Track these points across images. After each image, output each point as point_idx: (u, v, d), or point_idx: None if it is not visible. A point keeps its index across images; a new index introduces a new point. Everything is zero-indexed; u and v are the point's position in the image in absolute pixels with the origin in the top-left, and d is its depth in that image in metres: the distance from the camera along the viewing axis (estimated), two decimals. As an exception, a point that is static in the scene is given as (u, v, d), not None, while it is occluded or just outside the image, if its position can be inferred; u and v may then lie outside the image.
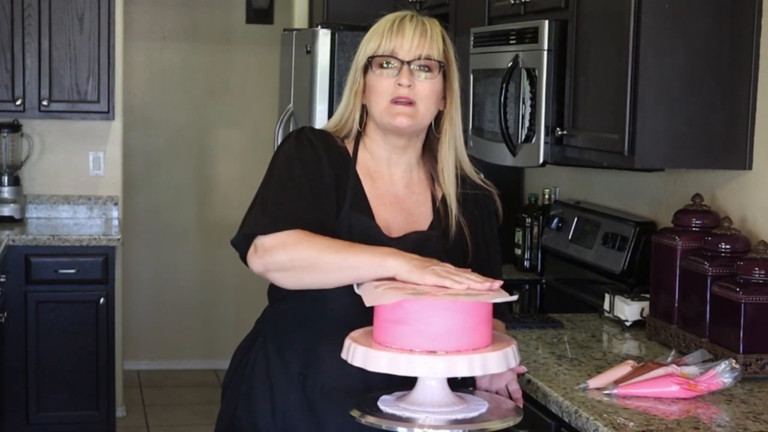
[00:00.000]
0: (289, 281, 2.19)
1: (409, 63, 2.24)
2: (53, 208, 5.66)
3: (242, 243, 2.22)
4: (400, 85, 2.24)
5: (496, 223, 2.43)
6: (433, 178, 2.37)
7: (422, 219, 2.34)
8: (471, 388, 2.25)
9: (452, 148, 2.34)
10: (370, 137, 2.34)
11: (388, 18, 2.30)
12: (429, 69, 2.26)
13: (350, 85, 2.33)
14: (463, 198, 2.35)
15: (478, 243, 2.38)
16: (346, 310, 2.21)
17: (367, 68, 2.28)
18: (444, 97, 2.31)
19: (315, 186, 2.24)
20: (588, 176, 3.92)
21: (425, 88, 2.25)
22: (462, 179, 2.36)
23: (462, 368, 1.97)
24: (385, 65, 2.26)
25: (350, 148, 2.34)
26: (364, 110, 2.33)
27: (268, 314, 2.40)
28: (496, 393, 2.28)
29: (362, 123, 2.34)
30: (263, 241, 2.17)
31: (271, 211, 2.20)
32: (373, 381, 2.16)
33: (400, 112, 2.25)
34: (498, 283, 2.06)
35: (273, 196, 2.23)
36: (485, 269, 2.31)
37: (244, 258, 2.22)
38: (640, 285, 3.30)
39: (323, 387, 2.27)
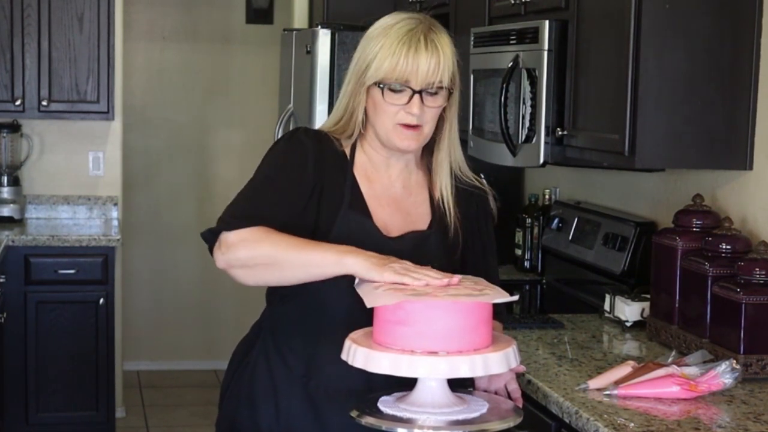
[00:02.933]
0: (249, 278, 2.20)
1: (420, 92, 2.22)
2: (53, 208, 5.66)
3: (209, 238, 2.24)
4: (408, 112, 2.23)
5: (492, 223, 2.43)
6: (430, 176, 2.37)
7: (420, 219, 2.34)
8: (470, 389, 2.25)
9: (449, 150, 2.34)
10: (368, 141, 2.33)
11: (400, 34, 2.22)
12: (438, 92, 2.24)
13: (351, 91, 2.29)
14: (457, 197, 2.35)
15: (474, 242, 2.38)
16: (347, 311, 2.21)
17: (378, 86, 2.24)
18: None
19: (293, 188, 2.24)
20: (588, 176, 3.91)
21: (432, 111, 2.25)
22: (457, 179, 2.36)
23: (464, 369, 1.97)
24: (395, 87, 2.22)
25: (348, 148, 2.33)
26: (366, 114, 2.31)
27: (267, 316, 2.40)
28: (495, 393, 2.28)
29: (363, 126, 2.33)
30: (227, 237, 2.19)
31: (239, 208, 2.23)
32: (376, 381, 2.16)
33: (408, 137, 2.25)
34: (456, 279, 2.06)
35: (244, 195, 2.26)
36: (480, 269, 2.31)
37: (212, 252, 2.24)
38: (641, 285, 3.30)
39: (326, 388, 2.27)
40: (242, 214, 2.20)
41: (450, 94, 2.27)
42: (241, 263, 2.18)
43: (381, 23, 2.28)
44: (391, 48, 2.22)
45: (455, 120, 2.33)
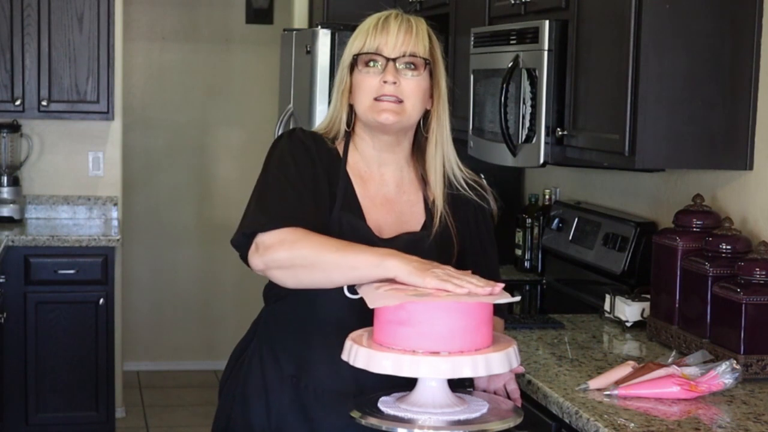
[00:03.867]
0: (289, 279, 2.18)
1: (394, 60, 2.23)
2: (53, 208, 5.66)
3: (242, 242, 2.21)
4: (385, 82, 2.23)
5: (492, 223, 2.42)
6: (423, 178, 2.37)
7: (414, 220, 2.33)
8: (470, 389, 2.25)
9: (440, 148, 2.33)
10: (359, 137, 2.33)
11: (374, 16, 2.29)
12: (415, 66, 2.25)
13: (337, 85, 2.32)
14: (453, 198, 2.35)
15: (473, 243, 2.37)
16: (338, 312, 2.21)
17: (353, 67, 2.27)
18: (431, 96, 2.30)
19: (310, 186, 2.24)
20: (588, 176, 3.91)
21: (411, 85, 2.25)
22: (454, 180, 2.35)
23: (466, 369, 1.97)
24: (370, 63, 2.25)
25: (340, 149, 2.33)
26: (352, 110, 2.32)
27: (264, 315, 2.40)
28: (494, 393, 2.28)
29: (351, 123, 2.33)
30: (263, 239, 2.17)
31: (270, 209, 2.20)
32: (366, 382, 2.17)
33: (385, 108, 2.24)
34: (500, 286, 2.05)
35: (271, 196, 2.23)
36: (481, 269, 2.30)
37: (244, 258, 2.22)
38: (641, 285, 3.30)
39: (315, 388, 2.27)
40: (275, 214, 2.18)
41: (430, 74, 2.26)
42: (278, 264, 2.16)
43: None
44: (364, 27, 2.28)
45: (444, 116, 2.32)
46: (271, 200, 2.22)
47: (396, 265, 2.07)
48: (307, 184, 2.24)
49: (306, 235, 2.15)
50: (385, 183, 2.34)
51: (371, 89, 2.25)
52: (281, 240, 2.15)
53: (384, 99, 2.24)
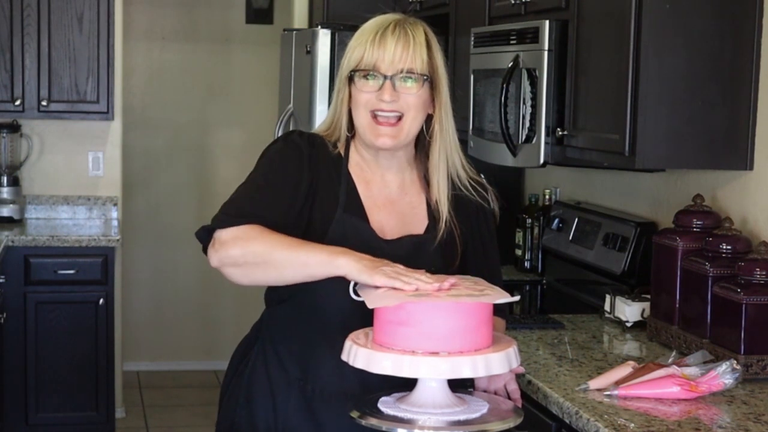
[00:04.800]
0: (242, 277, 2.19)
1: (391, 77, 2.22)
2: (52, 208, 5.66)
3: (203, 236, 2.23)
4: (381, 99, 2.22)
5: (494, 224, 2.42)
6: (426, 179, 2.36)
7: (417, 221, 2.33)
8: (470, 389, 2.25)
9: (443, 152, 2.31)
10: (360, 141, 2.33)
11: (372, 26, 2.26)
12: (413, 79, 2.23)
13: (336, 91, 2.31)
14: (456, 198, 2.34)
15: (475, 245, 2.37)
16: (343, 313, 2.21)
17: (351, 77, 2.26)
18: (432, 101, 2.29)
19: (287, 188, 2.24)
20: (589, 177, 3.91)
21: (410, 99, 2.23)
22: (458, 179, 2.35)
23: (466, 369, 1.97)
24: (368, 77, 2.23)
25: (342, 150, 2.33)
26: (351, 115, 2.31)
27: (266, 318, 2.40)
28: (495, 393, 2.28)
29: (351, 128, 2.32)
30: (220, 235, 2.19)
31: (234, 206, 2.22)
32: (371, 383, 2.16)
33: (383, 133, 2.24)
34: (449, 282, 2.04)
35: (240, 194, 2.26)
36: (482, 270, 2.30)
37: (206, 252, 2.23)
38: (641, 286, 3.30)
39: (322, 390, 2.27)
40: (236, 212, 2.20)
41: (430, 84, 2.25)
42: (232, 261, 2.17)
43: (361, 27, 2.30)
44: (362, 38, 2.25)
45: (446, 121, 2.30)
46: (238, 198, 2.24)
47: (346, 262, 2.08)
48: (284, 185, 2.24)
49: (261, 232, 2.16)
50: (387, 184, 2.34)
51: (369, 103, 2.24)
52: (236, 237, 2.16)
53: (382, 116, 2.23)
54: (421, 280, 2.03)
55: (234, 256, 2.16)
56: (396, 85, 2.22)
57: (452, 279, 2.07)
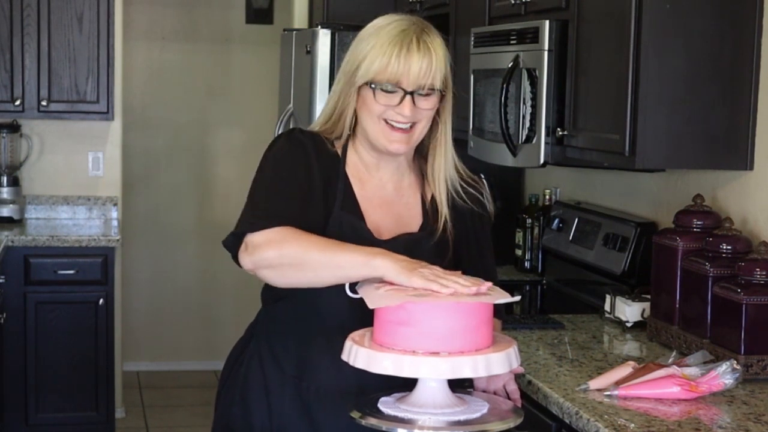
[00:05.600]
0: (278, 279, 2.18)
1: (412, 93, 2.21)
2: (52, 208, 5.66)
3: (233, 243, 2.22)
4: (399, 113, 2.22)
5: (489, 224, 2.42)
6: (422, 179, 2.36)
7: (412, 221, 2.33)
8: (470, 389, 2.25)
9: (444, 154, 2.32)
10: (359, 141, 2.32)
11: (392, 35, 2.22)
12: (430, 95, 2.24)
13: (340, 91, 2.29)
14: (452, 200, 2.35)
15: (470, 243, 2.37)
16: (340, 312, 2.21)
17: (367, 85, 2.24)
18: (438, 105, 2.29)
19: (304, 186, 2.24)
20: (589, 177, 3.91)
21: (424, 113, 2.24)
22: (451, 182, 2.35)
23: (466, 369, 1.97)
24: (388, 91, 2.22)
25: (339, 149, 2.32)
26: (355, 114, 2.30)
27: (261, 316, 2.40)
28: (494, 393, 2.28)
29: (351, 126, 2.32)
30: (253, 239, 2.17)
31: (261, 209, 2.21)
32: (368, 382, 2.16)
33: (397, 139, 2.24)
34: (486, 286, 2.05)
35: (262, 195, 2.24)
36: (478, 270, 2.30)
37: (236, 258, 2.22)
38: (641, 286, 3.30)
39: (318, 389, 2.27)
40: (265, 215, 2.18)
41: (442, 96, 2.26)
42: (267, 263, 2.16)
43: (373, 24, 2.27)
44: (382, 48, 2.21)
45: (449, 123, 2.32)
46: (261, 200, 2.23)
47: (384, 264, 2.07)
48: (300, 184, 2.24)
49: (294, 234, 2.15)
50: (384, 184, 2.34)
51: (383, 113, 2.23)
52: (269, 239, 2.15)
53: (396, 125, 2.23)
54: (458, 283, 2.02)
55: (269, 259, 2.15)
56: (415, 100, 2.22)
57: (488, 283, 2.07)
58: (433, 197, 2.34)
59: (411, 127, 2.25)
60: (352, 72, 2.25)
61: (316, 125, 2.36)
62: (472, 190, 2.38)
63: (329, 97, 2.34)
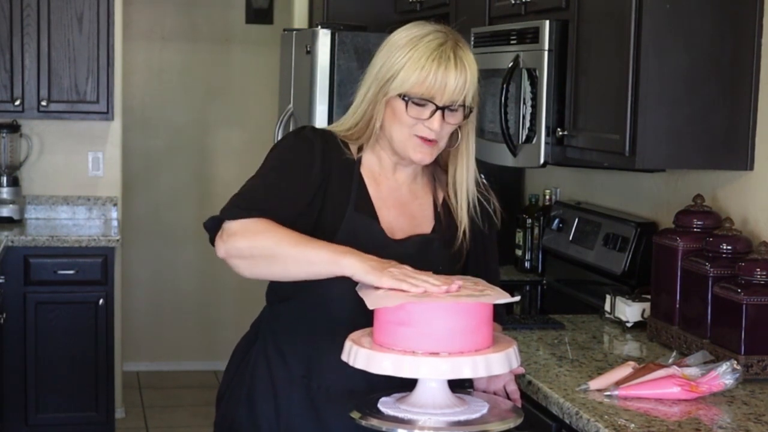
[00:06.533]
0: (247, 269, 2.18)
1: (443, 108, 2.21)
2: (52, 208, 5.65)
3: (211, 226, 2.23)
4: (428, 127, 2.22)
5: (495, 229, 2.43)
6: (434, 181, 2.37)
7: (425, 222, 2.34)
8: (470, 389, 2.25)
9: (467, 165, 2.33)
10: (380, 145, 2.32)
11: (430, 48, 2.21)
12: (458, 110, 2.24)
13: (371, 98, 2.27)
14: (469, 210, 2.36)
15: (475, 244, 2.38)
16: (349, 312, 2.20)
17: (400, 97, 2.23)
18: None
19: (295, 182, 2.24)
20: (589, 177, 3.91)
21: (450, 127, 2.25)
22: (471, 192, 2.36)
23: (466, 369, 1.97)
24: (419, 102, 2.21)
25: (355, 150, 2.32)
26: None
27: (267, 316, 2.40)
28: (494, 394, 2.28)
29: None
30: (229, 226, 2.18)
31: (244, 198, 2.22)
32: (377, 382, 2.15)
33: (423, 151, 2.25)
34: (456, 285, 2.04)
35: (251, 186, 2.25)
36: (481, 270, 2.31)
37: (212, 242, 2.23)
38: (641, 286, 3.29)
39: (327, 389, 2.27)
40: (246, 204, 2.19)
41: (470, 111, 2.26)
42: (239, 253, 2.17)
43: (408, 33, 2.25)
44: (420, 62, 2.20)
45: (473, 136, 2.33)
46: (248, 190, 2.24)
47: (351, 263, 2.08)
48: (294, 180, 2.24)
49: (270, 226, 2.15)
50: (399, 186, 2.34)
51: (412, 125, 2.23)
52: (245, 229, 2.16)
53: (422, 141, 2.23)
54: (428, 282, 2.02)
55: (240, 248, 2.16)
56: (444, 115, 2.22)
57: (459, 281, 2.07)
58: (444, 200, 2.35)
59: (437, 139, 2.25)
60: (386, 81, 2.24)
61: (341, 127, 2.34)
62: (483, 200, 2.39)
63: (357, 101, 2.31)
